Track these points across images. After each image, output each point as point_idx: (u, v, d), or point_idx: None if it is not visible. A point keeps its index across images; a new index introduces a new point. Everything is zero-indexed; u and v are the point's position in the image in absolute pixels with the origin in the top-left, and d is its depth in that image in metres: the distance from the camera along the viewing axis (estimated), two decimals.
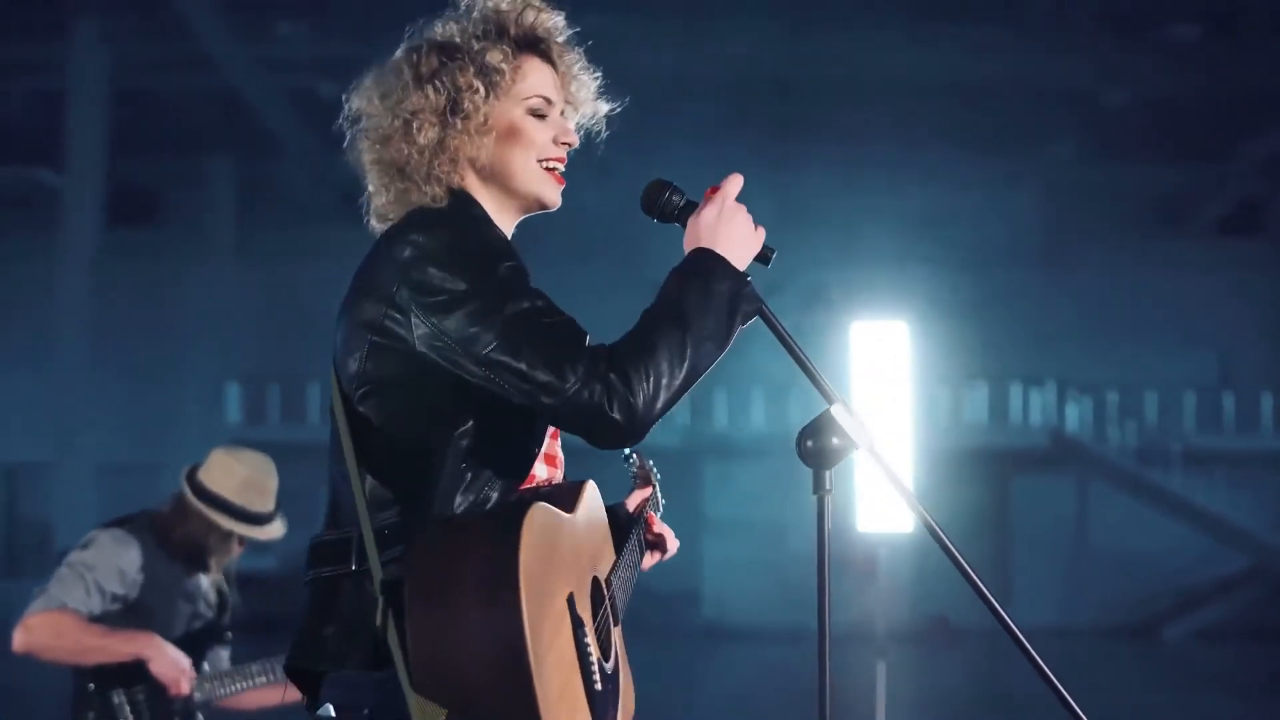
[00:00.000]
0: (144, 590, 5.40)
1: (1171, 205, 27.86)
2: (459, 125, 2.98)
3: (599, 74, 3.21)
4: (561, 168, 3.11)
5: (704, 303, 2.86)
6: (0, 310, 27.05)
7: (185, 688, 5.30)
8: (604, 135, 3.26)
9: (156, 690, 5.31)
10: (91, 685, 5.33)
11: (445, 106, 2.98)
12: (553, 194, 3.10)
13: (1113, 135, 25.03)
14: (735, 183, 3.05)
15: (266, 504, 5.53)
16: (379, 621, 2.73)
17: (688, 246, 2.99)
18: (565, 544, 2.87)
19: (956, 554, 3.10)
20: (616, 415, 2.73)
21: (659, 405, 2.78)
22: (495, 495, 2.89)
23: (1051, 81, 23.10)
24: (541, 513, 2.78)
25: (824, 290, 25.33)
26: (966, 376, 27.79)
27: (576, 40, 3.18)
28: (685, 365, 2.81)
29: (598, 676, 2.85)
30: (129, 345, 25.61)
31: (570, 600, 2.82)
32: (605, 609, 3.06)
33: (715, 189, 3.03)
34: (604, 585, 3.09)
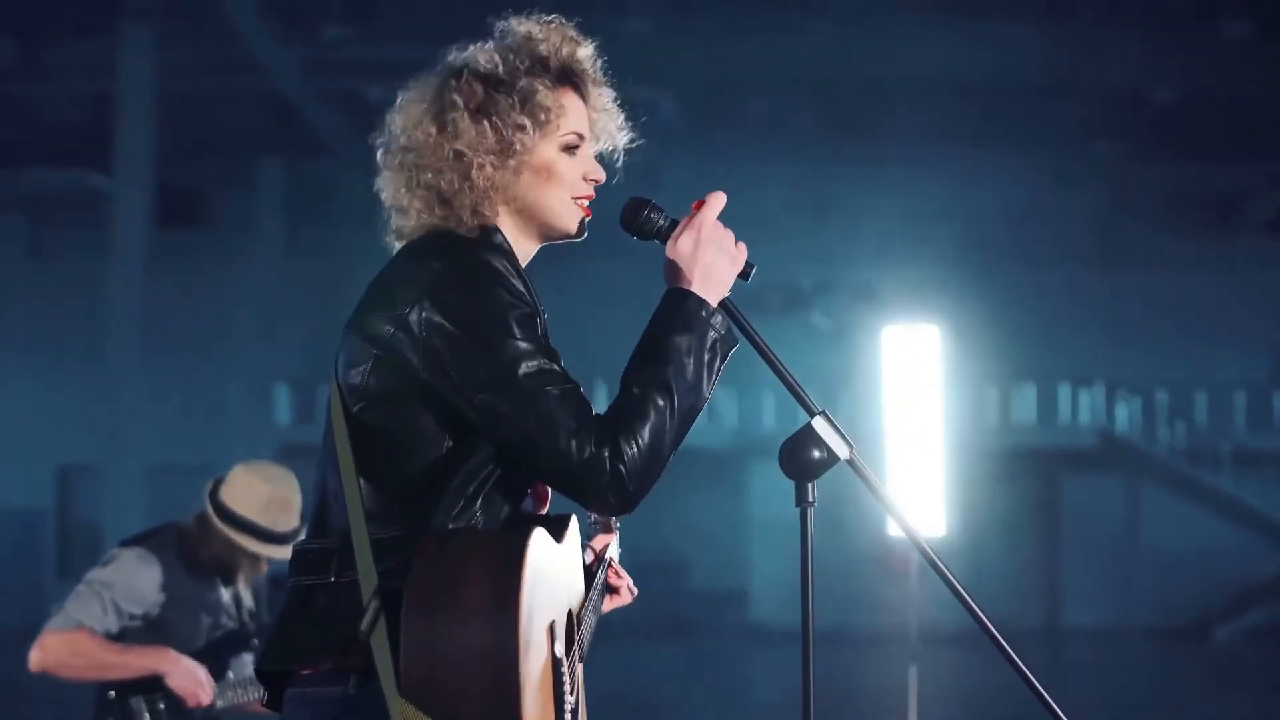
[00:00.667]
0: (165, 608, 5.42)
1: (1221, 204, 27.71)
2: (511, 164, 3.00)
3: (624, 105, 3.21)
4: (587, 202, 3.12)
5: (688, 363, 2.91)
6: (51, 313, 27.21)
7: (204, 699, 5.32)
8: (619, 161, 3.25)
9: (176, 698, 5.34)
10: (112, 693, 5.36)
11: (499, 145, 2.99)
12: (579, 227, 3.12)
13: (1162, 134, 24.91)
14: (716, 202, 3.06)
15: (291, 521, 5.52)
16: (365, 626, 2.73)
17: (666, 273, 3.02)
18: (552, 574, 2.92)
19: (940, 564, 3.12)
20: (612, 497, 2.82)
21: (651, 482, 2.87)
22: (488, 522, 2.92)
23: (1101, 80, 22.99)
24: (540, 539, 2.83)
25: (871, 291, 25.29)
26: (1015, 376, 27.70)
27: (604, 68, 3.17)
28: (675, 434, 2.89)
29: (567, 708, 2.87)
30: (179, 347, 25.72)
31: (551, 629, 2.85)
32: (575, 645, 3.09)
33: (700, 203, 3.04)
34: (576, 620, 3.12)
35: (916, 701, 9.03)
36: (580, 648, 3.14)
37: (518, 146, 3.00)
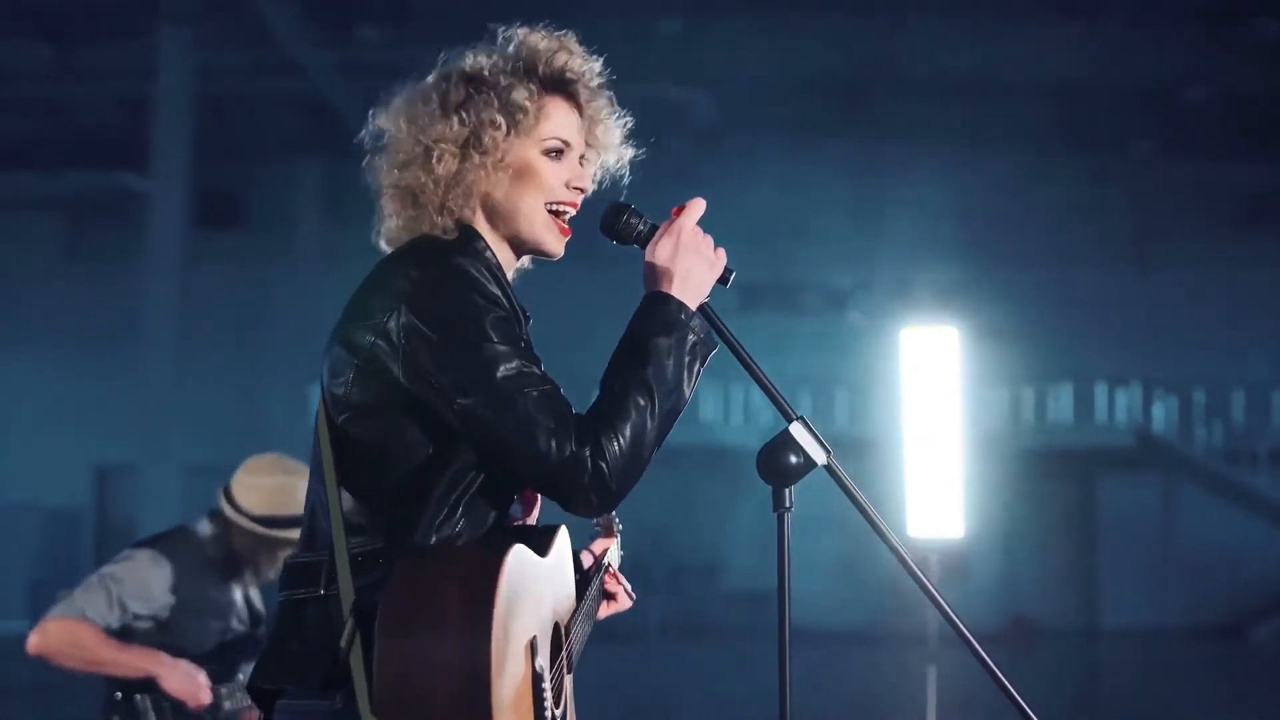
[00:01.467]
0: (174, 610, 5.45)
1: (1256, 202, 27.60)
2: (477, 159, 3.00)
3: (627, 119, 3.21)
4: (571, 212, 3.12)
5: (668, 364, 2.92)
6: (88, 314, 27.32)
7: (204, 699, 5.34)
8: (626, 177, 3.26)
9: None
10: (118, 693, 5.39)
11: (467, 139, 3.00)
12: (555, 244, 3.12)
13: (1196, 132, 24.83)
14: (696, 208, 3.06)
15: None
16: (344, 643, 2.76)
17: (645, 277, 3.03)
18: (534, 588, 2.91)
19: (923, 578, 3.14)
20: (594, 497, 2.82)
21: (632, 481, 2.87)
22: (472, 531, 2.92)
23: (1133, 78, 22.94)
24: (519, 555, 2.82)
25: (908, 290, 25.25)
26: (1051, 376, 27.64)
27: (609, 86, 3.18)
28: (656, 434, 2.89)
29: None
30: (215, 348, 25.81)
31: (532, 644, 2.84)
32: (562, 656, 3.09)
33: (680, 209, 3.06)
34: (564, 632, 3.12)
35: (935, 703, 9.04)
36: (568, 658, 3.14)
37: (488, 142, 3.00)
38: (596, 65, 3.15)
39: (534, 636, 2.85)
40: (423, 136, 3.02)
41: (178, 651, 5.39)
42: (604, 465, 2.80)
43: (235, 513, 5.54)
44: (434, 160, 3.00)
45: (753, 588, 26.31)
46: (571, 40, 3.13)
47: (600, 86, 3.16)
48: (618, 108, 3.20)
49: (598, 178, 3.22)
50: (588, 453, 2.80)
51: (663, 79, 20.53)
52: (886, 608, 22.41)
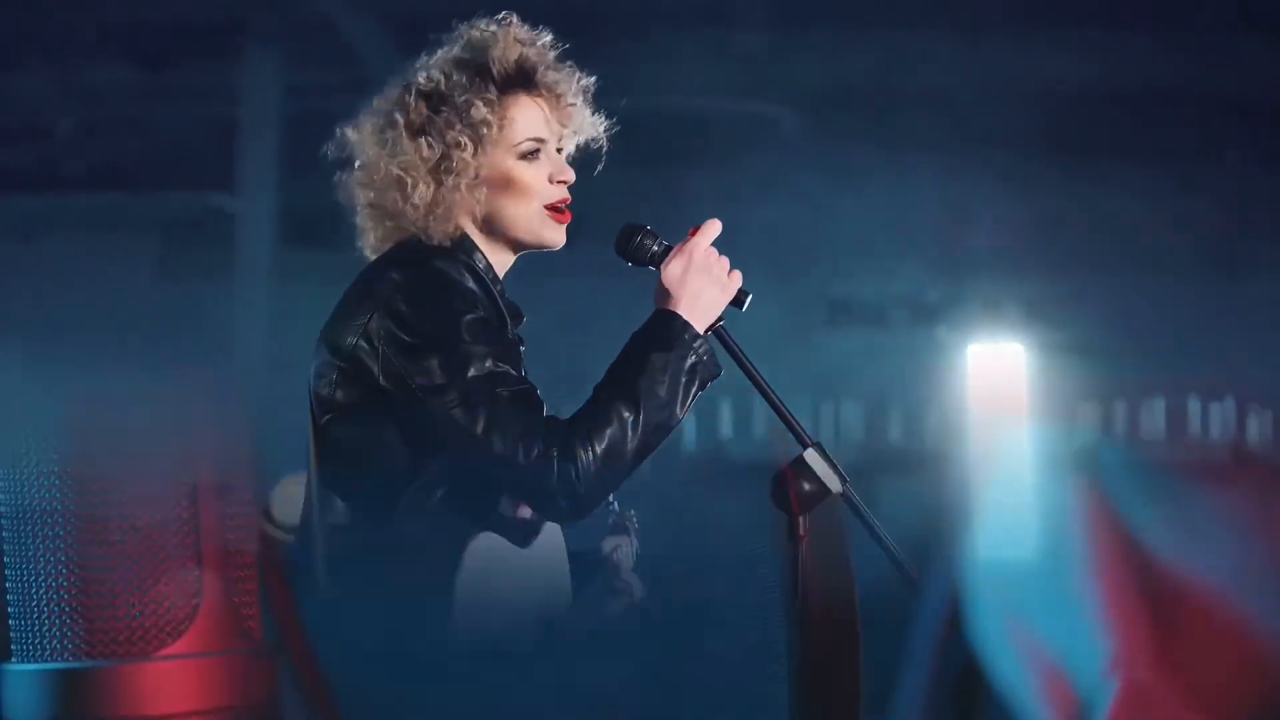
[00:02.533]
0: None
1: None
2: (450, 182, 3.01)
3: (591, 85, 3.17)
4: (563, 205, 3.09)
5: (661, 380, 2.90)
6: (178, 334, 27.58)
7: None
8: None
9: None
10: None
11: (438, 163, 3.01)
12: (554, 235, 3.11)
13: None
14: (711, 229, 3.04)
15: None
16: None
17: (656, 297, 3.03)
18: (508, 575, 2.91)
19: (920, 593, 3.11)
20: (562, 501, 2.83)
21: (604, 490, 2.88)
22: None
23: (1221, 86, 22.75)
24: (486, 540, 2.85)
25: (997, 304, 25.11)
26: (1143, 390, 27.42)
27: (570, 55, 3.15)
28: (635, 448, 2.87)
29: None
30: (303, 366, 26.02)
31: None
32: None
33: (696, 229, 3.02)
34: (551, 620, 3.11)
35: None
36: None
37: (458, 164, 2.99)
38: (547, 41, 3.11)
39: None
40: (393, 163, 3.04)
41: None
42: (572, 470, 2.78)
43: (277, 531, 5.57)
44: (409, 188, 3.02)
45: None
46: (517, 25, 3.10)
47: (555, 62, 3.13)
48: (576, 74, 3.16)
49: (578, 146, 3.19)
50: (556, 454, 2.78)
51: (748, 94, 20.52)
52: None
